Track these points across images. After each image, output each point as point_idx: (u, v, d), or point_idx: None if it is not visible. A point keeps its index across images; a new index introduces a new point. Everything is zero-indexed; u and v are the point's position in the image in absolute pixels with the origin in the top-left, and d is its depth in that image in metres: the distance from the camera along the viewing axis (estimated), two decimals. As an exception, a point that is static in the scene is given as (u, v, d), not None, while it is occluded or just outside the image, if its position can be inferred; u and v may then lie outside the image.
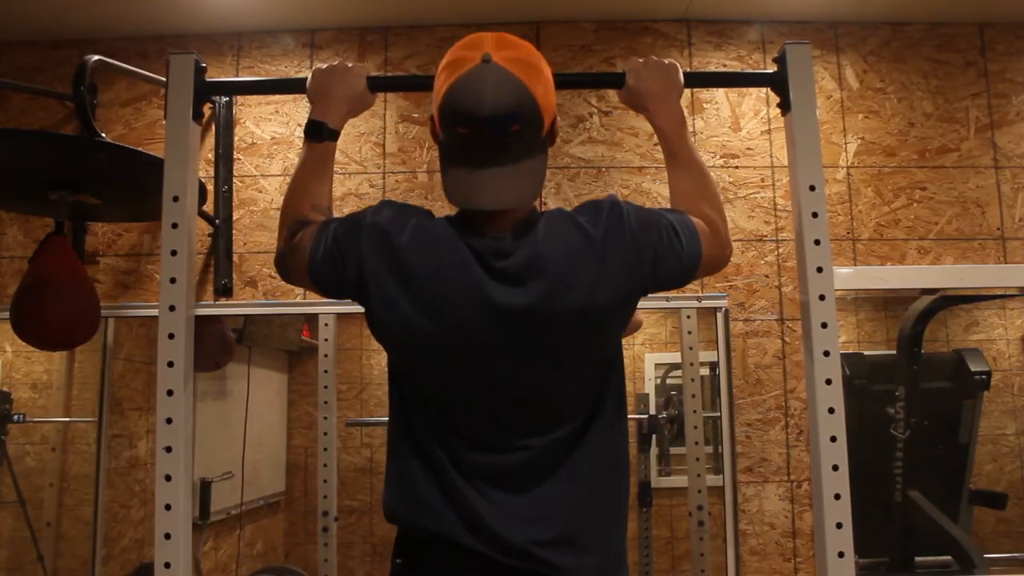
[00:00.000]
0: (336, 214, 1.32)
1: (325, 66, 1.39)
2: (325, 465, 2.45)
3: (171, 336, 1.32)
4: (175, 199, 1.36)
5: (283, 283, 2.43)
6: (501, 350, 1.15)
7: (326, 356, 2.50)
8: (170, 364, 1.31)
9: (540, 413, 1.19)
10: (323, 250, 1.20)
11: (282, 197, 2.55)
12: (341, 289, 1.22)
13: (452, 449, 1.18)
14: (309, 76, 1.40)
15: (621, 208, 1.20)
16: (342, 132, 1.37)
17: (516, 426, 1.19)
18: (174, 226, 1.36)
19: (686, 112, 2.48)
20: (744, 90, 2.51)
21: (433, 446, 1.18)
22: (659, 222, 1.22)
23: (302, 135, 1.39)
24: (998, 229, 2.46)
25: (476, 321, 1.13)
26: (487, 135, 1.14)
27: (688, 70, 2.55)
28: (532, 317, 1.13)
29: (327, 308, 2.44)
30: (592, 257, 1.15)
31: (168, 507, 1.28)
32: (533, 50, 1.20)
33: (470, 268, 1.14)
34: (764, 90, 2.51)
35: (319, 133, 1.34)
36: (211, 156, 2.47)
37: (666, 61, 1.41)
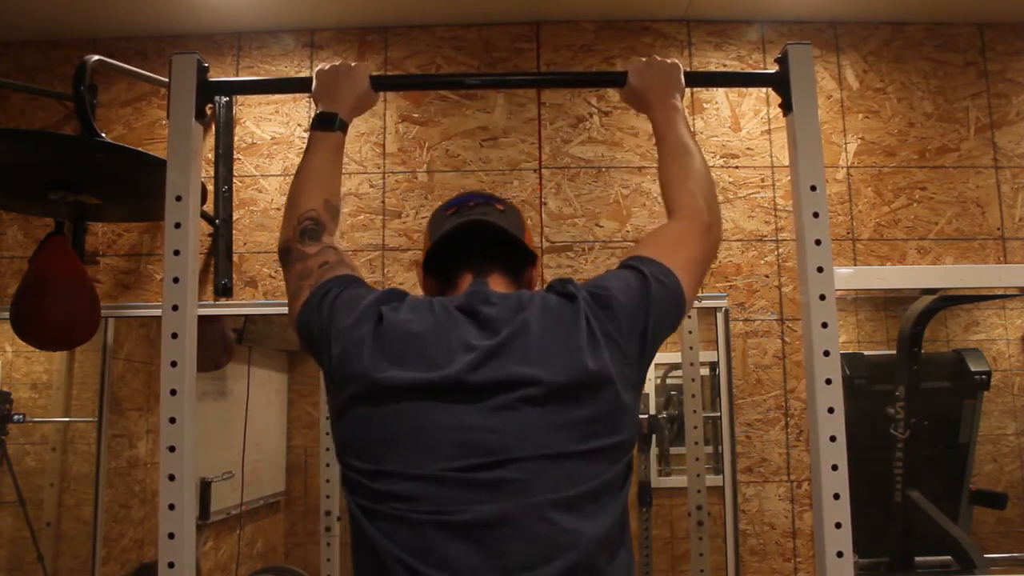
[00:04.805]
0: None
1: (328, 66, 1.39)
2: (327, 465, 2.45)
3: (174, 336, 1.32)
4: (178, 199, 1.37)
5: (283, 283, 2.44)
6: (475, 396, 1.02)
7: (326, 356, 2.49)
8: (173, 364, 1.31)
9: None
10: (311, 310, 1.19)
11: (283, 197, 2.54)
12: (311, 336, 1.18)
13: None
14: (313, 77, 1.40)
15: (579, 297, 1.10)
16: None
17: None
18: (177, 226, 1.36)
19: (686, 112, 2.48)
20: (744, 90, 2.51)
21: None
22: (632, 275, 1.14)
23: (309, 130, 1.37)
24: (998, 229, 2.46)
25: (453, 357, 1.02)
26: (474, 205, 1.20)
27: (689, 70, 2.54)
28: (505, 362, 1.02)
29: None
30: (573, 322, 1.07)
31: (172, 506, 1.28)
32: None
33: (453, 315, 1.08)
34: (764, 90, 2.51)
35: (331, 122, 1.33)
36: (211, 156, 2.47)
37: (668, 61, 1.42)
